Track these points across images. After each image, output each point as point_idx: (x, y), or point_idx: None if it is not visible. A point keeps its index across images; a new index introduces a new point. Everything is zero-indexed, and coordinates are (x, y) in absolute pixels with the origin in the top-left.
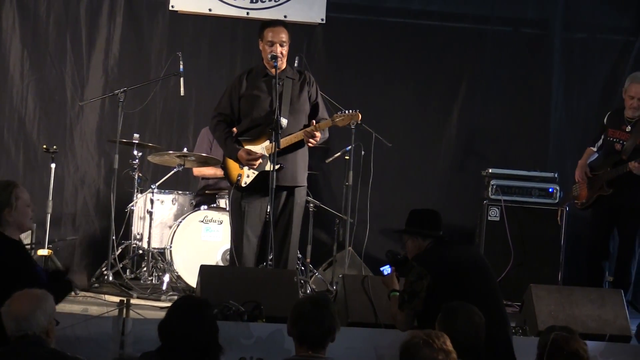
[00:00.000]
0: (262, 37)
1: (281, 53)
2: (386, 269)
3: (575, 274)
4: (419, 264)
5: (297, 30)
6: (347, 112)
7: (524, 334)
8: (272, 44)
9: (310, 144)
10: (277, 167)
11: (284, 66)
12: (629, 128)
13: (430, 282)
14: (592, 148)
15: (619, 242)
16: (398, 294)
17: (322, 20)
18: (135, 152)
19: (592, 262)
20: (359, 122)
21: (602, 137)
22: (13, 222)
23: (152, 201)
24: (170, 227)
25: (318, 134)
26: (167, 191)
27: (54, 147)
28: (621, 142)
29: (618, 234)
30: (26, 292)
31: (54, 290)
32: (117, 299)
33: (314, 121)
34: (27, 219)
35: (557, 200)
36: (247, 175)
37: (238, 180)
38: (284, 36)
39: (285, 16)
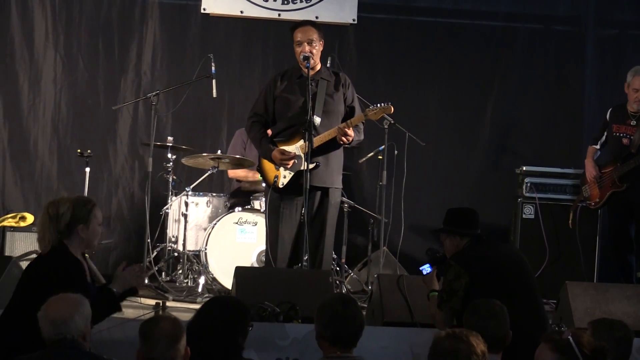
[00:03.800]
0: (293, 39)
1: (311, 52)
2: (425, 269)
3: (610, 270)
4: (457, 262)
5: (328, 31)
6: (379, 105)
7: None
8: (300, 43)
9: (342, 142)
10: (312, 165)
11: (318, 66)
12: (634, 122)
13: (468, 281)
14: (595, 146)
15: None
16: (437, 293)
17: (354, 20)
18: (169, 155)
19: (618, 258)
20: (392, 120)
21: (605, 134)
22: (82, 240)
23: (186, 204)
24: (205, 229)
25: (350, 131)
26: (201, 193)
27: (88, 151)
28: (628, 136)
29: (637, 229)
30: (63, 296)
31: (98, 306)
32: (152, 302)
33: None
34: (96, 239)
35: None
36: (284, 177)
37: (275, 182)
38: (311, 34)
39: (316, 17)
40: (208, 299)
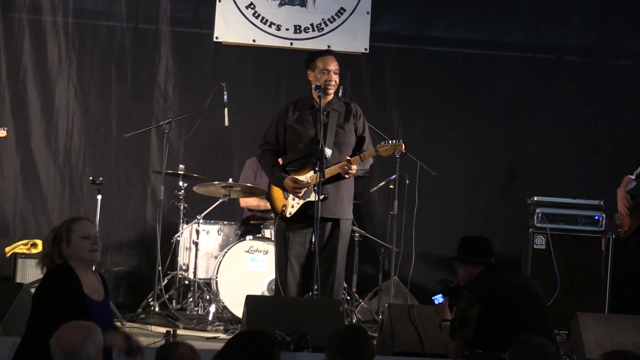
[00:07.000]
0: (313, 66)
1: (335, 82)
2: (437, 298)
3: (622, 301)
4: (470, 291)
5: (340, 60)
6: (390, 142)
7: None
8: (328, 72)
9: (346, 177)
10: (321, 197)
11: (330, 97)
12: None
13: (480, 310)
14: (630, 176)
15: None
16: (449, 323)
17: (366, 49)
18: (180, 183)
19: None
20: (403, 151)
21: None
22: (71, 256)
23: (197, 232)
24: (215, 257)
25: (354, 167)
26: (212, 222)
27: (100, 178)
28: None
29: None
30: (75, 324)
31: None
32: (163, 330)
33: (348, 157)
34: (84, 251)
35: (603, 228)
36: (292, 206)
37: (283, 211)
38: (337, 65)
39: (329, 46)
40: (236, 332)
